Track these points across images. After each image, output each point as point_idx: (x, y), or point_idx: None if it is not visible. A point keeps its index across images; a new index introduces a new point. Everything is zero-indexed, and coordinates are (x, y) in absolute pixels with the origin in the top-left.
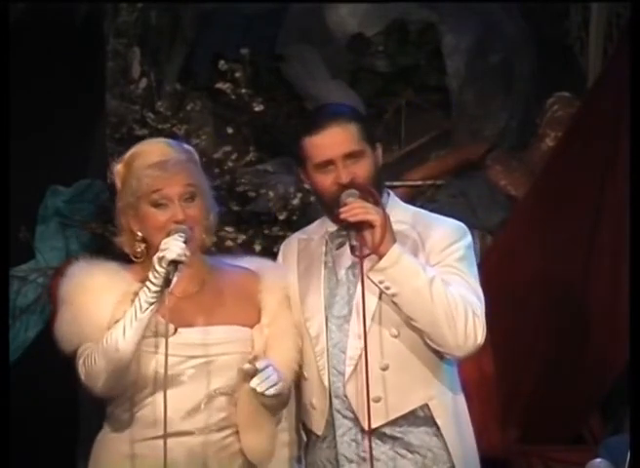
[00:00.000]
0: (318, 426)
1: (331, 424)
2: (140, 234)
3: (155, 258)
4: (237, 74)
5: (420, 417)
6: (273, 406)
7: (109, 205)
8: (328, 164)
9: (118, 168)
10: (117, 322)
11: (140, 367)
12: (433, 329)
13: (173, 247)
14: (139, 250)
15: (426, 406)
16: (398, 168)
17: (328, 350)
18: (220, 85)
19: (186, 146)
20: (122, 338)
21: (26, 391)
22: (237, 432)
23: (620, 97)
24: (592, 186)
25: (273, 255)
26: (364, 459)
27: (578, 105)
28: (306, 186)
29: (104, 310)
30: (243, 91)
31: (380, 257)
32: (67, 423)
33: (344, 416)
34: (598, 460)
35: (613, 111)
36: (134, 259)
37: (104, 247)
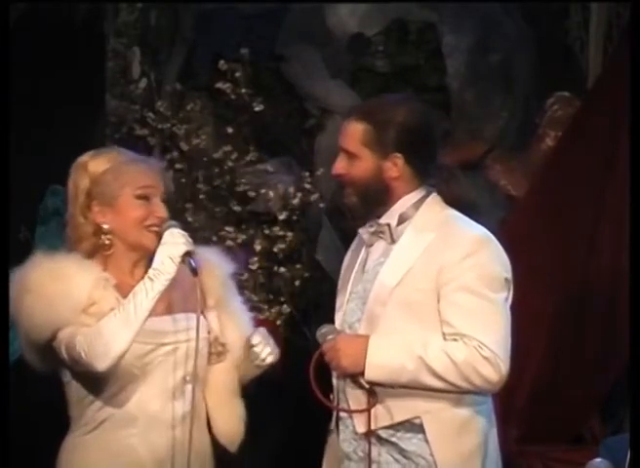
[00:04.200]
0: (332, 418)
1: (337, 419)
2: (106, 226)
3: (164, 253)
4: (237, 74)
5: (417, 425)
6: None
7: None
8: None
9: (74, 173)
10: (97, 304)
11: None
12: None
13: (181, 239)
14: (107, 242)
15: (419, 418)
16: None
17: None
18: (219, 85)
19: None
20: (140, 306)
21: (26, 391)
22: (203, 422)
23: (620, 96)
24: (592, 186)
25: (273, 255)
26: (362, 459)
27: (578, 105)
28: (306, 186)
29: (82, 293)
30: (243, 91)
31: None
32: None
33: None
34: (598, 460)
35: (613, 111)
36: (104, 253)
37: None
